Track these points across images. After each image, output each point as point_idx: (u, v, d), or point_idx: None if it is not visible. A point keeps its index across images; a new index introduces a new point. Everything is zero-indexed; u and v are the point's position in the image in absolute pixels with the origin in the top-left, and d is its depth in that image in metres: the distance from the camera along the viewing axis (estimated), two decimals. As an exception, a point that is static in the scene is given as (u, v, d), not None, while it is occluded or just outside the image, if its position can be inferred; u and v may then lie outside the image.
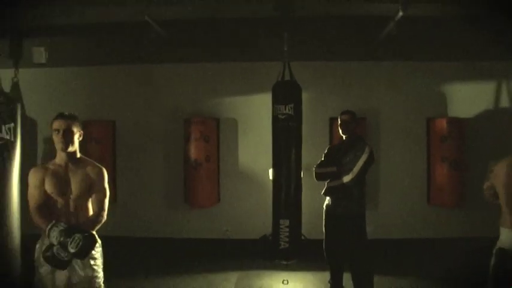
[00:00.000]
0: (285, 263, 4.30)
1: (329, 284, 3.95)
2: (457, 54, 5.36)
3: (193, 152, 5.49)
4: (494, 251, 2.22)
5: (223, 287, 4.28)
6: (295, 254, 4.28)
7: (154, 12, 4.40)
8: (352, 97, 5.52)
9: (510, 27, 4.50)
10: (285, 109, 4.16)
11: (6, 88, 4.68)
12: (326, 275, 4.05)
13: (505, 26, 4.55)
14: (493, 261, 2.21)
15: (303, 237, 4.59)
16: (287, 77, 4.32)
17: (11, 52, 5.47)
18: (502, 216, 2.21)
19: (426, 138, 5.54)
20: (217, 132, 5.66)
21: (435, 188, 5.44)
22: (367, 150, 3.64)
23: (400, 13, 4.11)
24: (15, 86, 5.87)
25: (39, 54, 5.84)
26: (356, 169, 3.58)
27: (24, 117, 3.29)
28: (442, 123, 5.38)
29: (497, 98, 5.51)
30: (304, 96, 4.43)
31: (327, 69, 5.63)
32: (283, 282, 4.33)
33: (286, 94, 4.24)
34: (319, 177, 3.85)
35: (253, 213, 5.50)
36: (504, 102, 5.49)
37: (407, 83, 5.61)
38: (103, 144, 5.57)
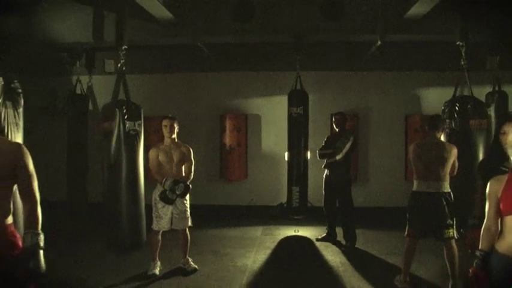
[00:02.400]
0: (296, 217, 6.10)
1: (326, 231, 5.72)
2: (429, 66, 6.95)
3: (228, 139, 7.24)
4: (410, 194, 3.96)
5: (253, 234, 6.06)
6: (303, 211, 6.08)
7: (204, 39, 6.21)
8: (347, 98, 7.15)
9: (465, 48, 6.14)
10: (297, 110, 5.92)
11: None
12: (325, 228, 5.79)
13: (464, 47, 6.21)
14: (409, 199, 3.95)
15: (309, 204, 6.35)
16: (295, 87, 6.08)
17: (86, 63, 7.36)
18: (413, 174, 3.93)
19: (404, 130, 7.13)
20: (246, 125, 7.31)
21: (411, 168, 7.07)
22: (351, 138, 5.36)
23: (379, 42, 5.83)
24: (90, 88, 7.73)
25: (110, 65, 7.68)
26: (344, 150, 5.31)
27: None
28: (417, 119, 7.00)
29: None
30: (311, 97, 6.16)
31: (329, 77, 7.20)
32: (294, 231, 6.10)
33: (297, 99, 5.99)
34: (321, 156, 5.59)
35: (272, 186, 7.17)
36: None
37: (391, 88, 7.16)
38: (160, 133, 7.34)
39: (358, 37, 6.09)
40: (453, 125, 4.13)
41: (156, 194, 4.23)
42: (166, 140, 4.31)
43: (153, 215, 4.28)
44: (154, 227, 4.29)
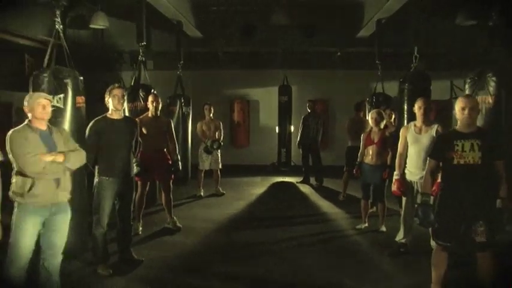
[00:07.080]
0: (283, 169, 9.18)
1: (303, 177, 8.79)
2: (374, 67, 9.93)
3: (236, 117, 10.26)
4: (346, 148, 7.02)
5: (255, 180, 9.09)
6: (288, 165, 9.18)
7: (221, 49, 9.15)
8: (320, 89, 10.16)
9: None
10: (284, 98, 8.96)
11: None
12: (302, 177, 8.85)
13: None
14: (345, 151, 7.02)
15: (292, 163, 9.44)
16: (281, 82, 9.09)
17: (131, 62, 10.19)
18: (348, 136, 6.98)
19: (359, 111, 10.21)
20: (248, 107, 10.34)
21: (363, 138, 10.17)
22: (320, 117, 8.40)
23: (339, 53, 8.84)
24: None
25: (150, 64, 10.52)
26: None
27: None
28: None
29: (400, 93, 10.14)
30: (294, 88, 9.18)
31: (307, 74, 10.13)
32: (282, 178, 9.17)
33: (284, 90, 9.03)
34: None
35: (266, 150, 10.15)
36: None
37: (350, 82, 10.16)
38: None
39: (324, 49, 9.12)
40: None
41: (201, 148, 7.25)
42: (207, 117, 7.30)
43: (199, 160, 7.30)
44: (200, 167, 7.32)
